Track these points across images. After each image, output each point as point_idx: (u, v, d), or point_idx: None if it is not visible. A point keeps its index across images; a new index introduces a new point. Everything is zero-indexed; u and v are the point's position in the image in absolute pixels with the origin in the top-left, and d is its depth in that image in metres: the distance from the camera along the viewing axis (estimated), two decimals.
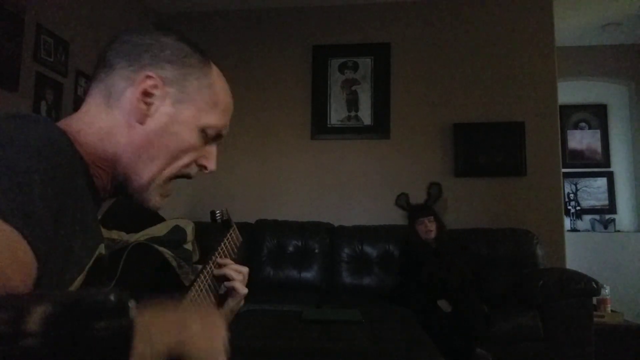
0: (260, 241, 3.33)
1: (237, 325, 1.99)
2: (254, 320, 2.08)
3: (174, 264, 0.84)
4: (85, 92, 0.70)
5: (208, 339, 0.56)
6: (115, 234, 2.36)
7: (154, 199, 0.72)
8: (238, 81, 3.79)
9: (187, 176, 0.74)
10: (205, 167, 0.74)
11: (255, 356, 1.56)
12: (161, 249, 2.33)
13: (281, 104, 3.76)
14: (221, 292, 0.90)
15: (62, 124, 0.65)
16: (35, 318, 0.34)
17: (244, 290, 0.90)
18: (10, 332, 0.34)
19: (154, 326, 0.44)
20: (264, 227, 3.39)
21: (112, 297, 0.39)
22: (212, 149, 0.74)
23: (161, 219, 2.76)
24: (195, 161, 0.73)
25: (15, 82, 2.52)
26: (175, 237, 2.49)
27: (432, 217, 3.00)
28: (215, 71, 0.74)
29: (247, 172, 3.73)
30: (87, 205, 0.59)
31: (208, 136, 0.72)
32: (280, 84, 3.78)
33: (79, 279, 0.55)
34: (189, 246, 2.50)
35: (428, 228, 2.95)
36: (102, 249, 0.63)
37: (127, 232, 2.49)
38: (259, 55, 3.81)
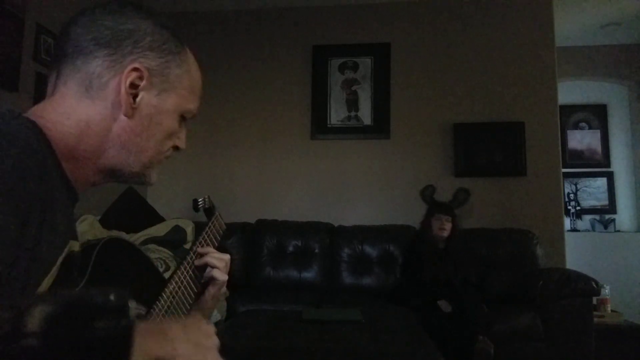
0: (260, 241, 3.33)
1: (237, 325, 1.99)
2: (254, 320, 2.08)
3: (152, 256, 0.84)
4: (56, 76, 0.66)
5: (198, 351, 0.55)
6: (115, 234, 2.36)
7: (152, 178, 0.72)
8: (238, 81, 3.79)
9: (165, 157, 0.74)
10: (178, 148, 0.74)
11: (255, 356, 1.56)
12: (155, 247, 2.32)
13: (281, 104, 3.76)
14: (204, 281, 0.90)
15: (35, 114, 0.62)
16: (35, 318, 0.34)
17: (223, 277, 0.90)
18: (10, 332, 0.34)
19: (139, 351, 0.43)
20: (264, 227, 3.38)
21: (112, 297, 0.39)
22: (184, 130, 0.75)
23: (161, 219, 2.77)
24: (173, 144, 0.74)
25: (15, 82, 2.52)
26: (175, 237, 2.50)
27: (450, 217, 2.97)
28: (190, 55, 0.73)
29: (247, 172, 3.73)
30: (58, 203, 0.57)
31: (185, 120, 0.73)
32: (280, 84, 3.77)
33: (47, 279, 0.54)
34: (189, 246, 2.50)
35: (443, 226, 2.92)
36: (74, 246, 0.61)
37: (127, 232, 2.49)
38: (259, 55, 3.81)
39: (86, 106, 0.64)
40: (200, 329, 0.59)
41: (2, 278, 0.45)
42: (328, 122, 3.69)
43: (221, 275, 0.90)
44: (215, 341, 0.61)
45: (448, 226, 2.93)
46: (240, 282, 3.16)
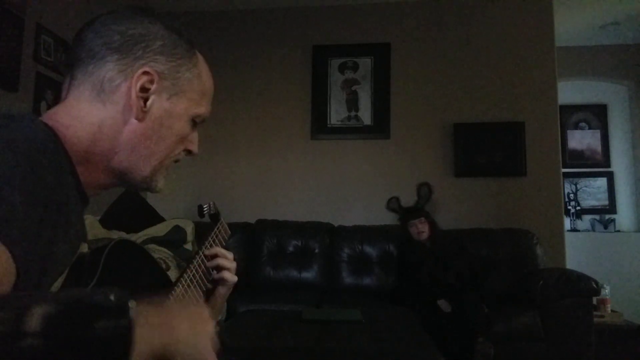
0: (260, 241, 3.33)
1: (237, 325, 1.99)
2: (254, 320, 2.08)
3: (155, 255, 0.85)
4: (70, 80, 0.67)
5: (195, 338, 0.58)
6: (115, 234, 2.36)
7: (160, 184, 0.73)
8: (238, 81, 3.79)
9: (176, 161, 0.75)
10: (191, 152, 0.75)
11: (255, 356, 1.56)
12: (155, 247, 2.32)
13: (281, 104, 3.76)
14: (209, 286, 0.91)
15: (49, 118, 0.63)
16: (35, 318, 0.34)
17: (233, 278, 0.93)
18: (10, 332, 0.34)
19: (141, 341, 0.43)
20: (264, 227, 3.38)
21: (112, 297, 0.39)
22: (196, 134, 0.76)
23: (161, 219, 2.77)
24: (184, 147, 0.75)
25: (15, 82, 2.52)
26: (175, 237, 2.50)
27: (422, 218, 3.00)
28: (200, 59, 0.74)
29: (247, 172, 3.73)
30: (72, 204, 0.58)
31: (196, 124, 0.74)
32: (280, 84, 3.78)
33: (60, 280, 0.54)
34: (189, 246, 2.50)
35: (420, 229, 2.96)
36: (84, 248, 0.62)
37: (127, 232, 2.49)
38: (259, 55, 3.81)
39: (98, 110, 0.65)
40: (201, 316, 0.61)
41: (17, 276, 0.46)
42: (328, 122, 3.69)
43: (231, 277, 0.92)
44: (211, 328, 0.63)
45: (424, 227, 2.96)
46: (240, 282, 3.15)
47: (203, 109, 0.73)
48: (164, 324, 0.52)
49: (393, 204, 3.47)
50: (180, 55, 0.69)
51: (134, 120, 0.66)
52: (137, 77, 0.65)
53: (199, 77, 0.72)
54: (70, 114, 0.64)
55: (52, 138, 0.57)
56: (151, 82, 0.66)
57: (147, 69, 0.65)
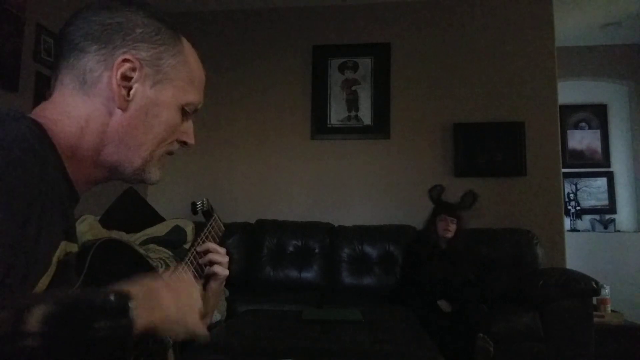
0: (260, 241, 3.33)
1: (237, 325, 1.99)
2: (254, 320, 2.08)
3: (152, 256, 0.85)
4: (55, 76, 0.66)
5: (182, 313, 0.59)
6: (115, 234, 2.36)
7: (154, 175, 0.71)
8: (238, 81, 3.79)
9: (170, 153, 0.73)
10: (186, 143, 0.74)
11: (256, 356, 1.56)
12: (155, 247, 2.32)
13: (281, 104, 3.76)
14: (205, 274, 0.92)
15: (38, 114, 0.63)
16: (35, 318, 0.34)
17: (225, 272, 0.92)
18: (10, 332, 0.34)
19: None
20: (264, 227, 3.38)
21: (112, 298, 0.39)
22: (190, 125, 0.74)
23: (161, 219, 2.77)
24: (176, 138, 0.73)
25: (15, 82, 2.52)
26: (175, 237, 2.50)
27: (456, 220, 2.97)
28: (187, 46, 0.72)
29: (247, 172, 3.73)
30: (58, 203, 0.57)
31: (187, 113, 0.71)
32: (280, 84, 3.77)
33: (45, 279, 0.54)
34: (189, 246, 2.50)
35: (448, 227, 2.92)
36: (74, 248, 0.61)
37: (128, 232, 2.49)
38: (259, 55, 3.81)
39: (83, 102, 0.64)
40: (189, 293, 0.63)
41: (1, 280, 0.45)
42: (328, 122, 3.69)
43: (223, 271, 0.92)
44: (198, 303, 0.64)
45: (453, 227, 2.93)
46: (240, 282, 3.16)
47: (192, 96, 0.71)
48: (150, 303, 0.52)
49: (436, 193, 3.27)
50: (162, 42, 0.67)
51: (118, 111, 0.64)
52: (118, 64, 0.63)
53: (185, 63, 0.70)
54: (57, 109, 0.64)
55: (38, 135, 0.56)
56: (133, 69, 0.64)
57: (127, 56, 0.64)
